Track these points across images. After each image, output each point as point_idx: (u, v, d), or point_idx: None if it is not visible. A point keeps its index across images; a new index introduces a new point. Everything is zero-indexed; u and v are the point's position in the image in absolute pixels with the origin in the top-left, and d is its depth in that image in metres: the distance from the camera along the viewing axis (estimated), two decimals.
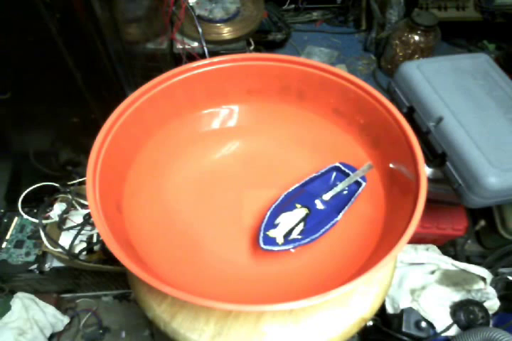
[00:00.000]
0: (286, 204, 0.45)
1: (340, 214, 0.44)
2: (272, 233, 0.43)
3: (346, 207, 0.45)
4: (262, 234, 0.42)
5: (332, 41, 1.36)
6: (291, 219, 0.44)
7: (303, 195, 0.46)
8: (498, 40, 1.31)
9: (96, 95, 0.62)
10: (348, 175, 0.48)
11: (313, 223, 0.44)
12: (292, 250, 0.43)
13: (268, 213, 0.44)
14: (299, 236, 0.43)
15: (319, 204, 0.46)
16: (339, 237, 0.45)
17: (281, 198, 0.45)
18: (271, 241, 0.42)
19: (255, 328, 0.42)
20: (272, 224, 0.43)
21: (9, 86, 0.57)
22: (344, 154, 0.50)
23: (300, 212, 0.45)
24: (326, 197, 0.47)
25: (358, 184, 0.47)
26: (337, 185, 0.48)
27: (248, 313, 0.43)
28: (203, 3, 1.00)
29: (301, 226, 0.44)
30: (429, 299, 0.65)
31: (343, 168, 0.48)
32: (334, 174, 0.49)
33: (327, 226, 0.43)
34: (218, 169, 0.51)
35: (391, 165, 0.47)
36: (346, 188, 0.48)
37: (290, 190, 0.46)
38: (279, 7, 1.31)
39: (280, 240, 0.42)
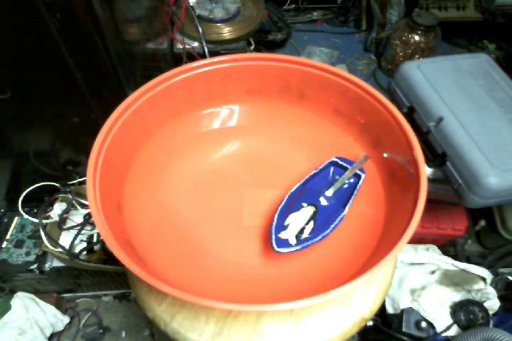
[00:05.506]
0: (292, 205, 0.45)
1: (346, 208, 0.45)
2: (283, 235, 0.43)
3: (351, 201, 0.45)
4: (274, 237, 0.42)
5: (332, 41, 1.36)
6: (301, 218, 0.45)
7: (307, 193, 0.47)
8: (499, 40, 1.31)
9: (96, 95, 0.62)
10: (345, 168, 0.48)
11: (322, 220, 0.45)
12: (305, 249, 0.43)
13: (276, 215, 0.44)
14: (310, 235, 0.43)
15: (324, 201, 0.46)
16: (339, 237, 0.45)
17: (285, 199, 0.45)
18: (284, 243, 0.42)
19: (255, 328, 0.42)
20: (281, 226, 0.43)
21: (9, 86, 0.57)
22: (344, 154, 0.50)
23: (308, 210, 0.45)
24: (329, 193, 0.47)
25: (357, 176, 0.48)
26: (336, 179, 0.48)
27: (248, 313, 0.43)
28: (203, 3, 1.00)
29: (311, 224, 0.44)
30: (429, 299, 0.65)
31: (340, 162, 0.48)
32: (332, 169, 0.49)
33: (336, 222, 0.44)
34: (218, 169, 0.51)
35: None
36: (346, 182, 0.48)
37: (293, 189, 0.46)
38: (279, 7, 1.31)
39: (293, 241, 0.42)
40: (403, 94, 0.64)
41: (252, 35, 1.03)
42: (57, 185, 0.76)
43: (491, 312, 0.65)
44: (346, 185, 0.48)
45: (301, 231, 0.43)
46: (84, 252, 0.76)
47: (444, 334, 0.63)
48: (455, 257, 0.76)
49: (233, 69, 0.49)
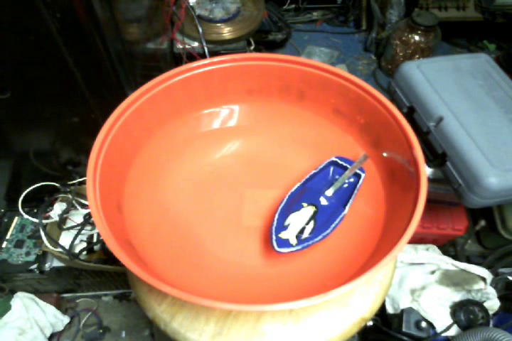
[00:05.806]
0: (292, 205, 0.45)
1: (347, 207, 0.45)
2: (284, 235, 0.43)
3: (351, 200, 0.45)
4: (274, 237, 0.42)
5: (332, 41, 1.36)
6: (301, 218, 0.45)
7: (307, 193, 0.47)
8: (499, 40, 1.31)
9: (96, 95, 0.62)
10: (345, 168, 0.48)
11: (323, 220, 0.45)
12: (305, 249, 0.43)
13: (276, 215, 0.44)
14: (310, 235, 0.43)
15: (324, 201, 0.46)
16: (339, 237, 0.45)
17: (286, 199, 0.46)
18: (284, 243, 0.42)
19: (255, 328, 0.42)
20: (281, 226, 0.44)
21: (9, 86, 0.57)
22: (344, 154, 0.50)
23: (308, 210, 0.45)
24: (329, 193, 0.47)
25: (357, 176, 0.48)
26: (336, 179, 0.48)
27: (248, 313, 0.43)
28: (203, 3, 1.00)
29: (311, 224, 0.44)
30: (429, 299, 0.65)
31: (340, 161, 0.48)
32: (332, 168, 0.49)
33: (336, 221, 0.44)
34: (218, 169, 0.51)
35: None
36: (346, 181, 0.48)
37: (293, 189, 0.46)
38: (279, 7, 1.31)
39: (294, 241, 0.42)
40: (403, 94, 0.64)
41: (252, 35, 1.03)
42: (57, 185, 0.76)
43: (491, 312, 0.65)
44: (346, 185, 0.48)
45: (302, 231, 0.44)
46: (84, 252, 0.76)
47: (444, 334, 0.63)
48: (455, 257, 0.76)
49: (233, 69, 0.49)
